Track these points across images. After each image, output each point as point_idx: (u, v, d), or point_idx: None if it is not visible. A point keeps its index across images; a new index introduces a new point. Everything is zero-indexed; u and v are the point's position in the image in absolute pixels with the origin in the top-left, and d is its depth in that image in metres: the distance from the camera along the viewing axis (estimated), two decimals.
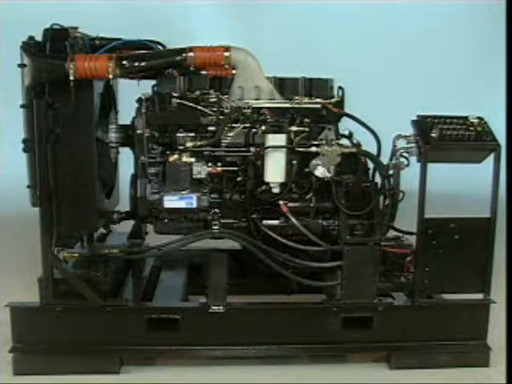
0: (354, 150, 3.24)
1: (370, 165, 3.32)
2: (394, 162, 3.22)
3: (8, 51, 3.32)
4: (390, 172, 3.22)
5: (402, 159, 3.20)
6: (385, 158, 3.28)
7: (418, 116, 3.22)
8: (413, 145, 3.16)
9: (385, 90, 6.90)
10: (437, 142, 3.07)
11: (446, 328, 3.23)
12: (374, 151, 3.31)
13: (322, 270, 3.33)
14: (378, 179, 3.31)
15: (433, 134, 3.08)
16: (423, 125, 3.16)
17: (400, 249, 3.33)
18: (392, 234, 3.42)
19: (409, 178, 3.21)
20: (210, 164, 3.24)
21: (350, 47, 7.14)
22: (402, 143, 3.20)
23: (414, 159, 3.17)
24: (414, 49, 7.39)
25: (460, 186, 6.34)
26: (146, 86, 3.28)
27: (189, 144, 3.19)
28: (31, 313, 3.14)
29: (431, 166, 3.07)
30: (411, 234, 3.31)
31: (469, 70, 7.60)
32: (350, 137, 3.33)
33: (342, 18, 7.26)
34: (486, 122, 3.21)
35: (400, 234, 3.46)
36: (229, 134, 3.21)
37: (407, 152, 3.19)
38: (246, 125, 3.21)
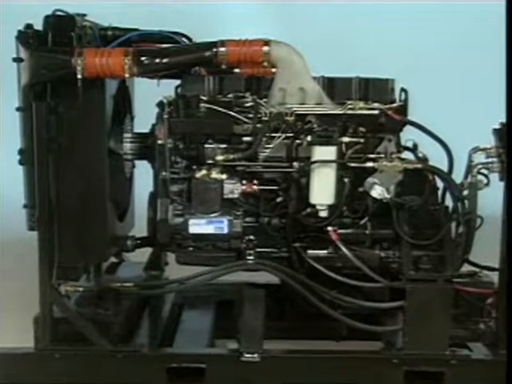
0: (420, 165, 2.96)
1: (440, 184, 3.03)
2: (469, 180, 2.93)
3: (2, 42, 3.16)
4: (465, 193, 2.93)
5: (481, 177, 2.92)
6: (458, 176, 2.99)
7: (501, 124, 2.89)
8: (494, 159, 2.88)
9: (457, 93, 6.49)
10: None
11: None
12: (444, 167, 3.01)
13: (379, 312, 3.04)
14: (449, 202, 3.02)
15: None
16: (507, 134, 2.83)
17: (478, 288, 3.04)
18: (467, 269, 3.13)
19: (488, 200, 2.89)
20: (244, 181, 3.00)
21: (411, 41, 6.64)
22: (480, 157, 2.93)
23: (495, 177, 2.88)
24: (491, 42, 7.01)
25: None
26: (169, 87, 3.06)
27: (219, 157, 2.96)
28: (23, 360, 2.88)
29: None
30: (492, 269, 3.02)
31: None
32: (414, 150, 3.06)
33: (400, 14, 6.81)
34: None
35: (478, 270, 3.16)
36: (267, 146, 2.98)
37: (487, 168, 2.90)
38: (289, 135, 2.96)
